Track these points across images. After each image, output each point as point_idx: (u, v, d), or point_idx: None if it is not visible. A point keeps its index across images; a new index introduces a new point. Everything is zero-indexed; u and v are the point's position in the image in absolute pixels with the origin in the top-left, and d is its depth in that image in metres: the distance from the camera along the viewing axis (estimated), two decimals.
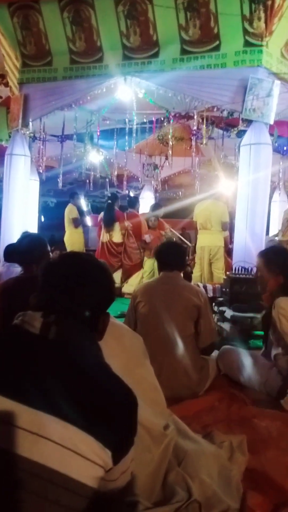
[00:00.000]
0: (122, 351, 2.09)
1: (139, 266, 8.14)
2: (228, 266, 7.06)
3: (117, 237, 8.42)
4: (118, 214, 8.54)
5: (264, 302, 3.46)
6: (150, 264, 7.83)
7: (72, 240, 9.17)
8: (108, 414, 1.16)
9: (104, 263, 1.47)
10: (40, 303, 1.29)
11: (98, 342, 1.38)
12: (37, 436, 1.09)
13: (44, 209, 14.24)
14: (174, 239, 8.23)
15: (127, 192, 10.98)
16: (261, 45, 5.35)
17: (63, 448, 1.09)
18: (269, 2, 5.10)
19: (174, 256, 3.47)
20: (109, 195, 9.19)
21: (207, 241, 7.53)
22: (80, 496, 1.11)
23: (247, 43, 5.40)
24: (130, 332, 2.28)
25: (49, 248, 3.18)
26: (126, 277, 8.31)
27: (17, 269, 4.14)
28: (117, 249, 8.43)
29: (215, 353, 3.53)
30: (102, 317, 1.37)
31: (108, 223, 8.49)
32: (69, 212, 9.11)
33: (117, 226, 8.42)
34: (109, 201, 8.79)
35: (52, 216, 14.12)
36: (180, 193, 11.87)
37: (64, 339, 1.23)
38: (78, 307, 1.28)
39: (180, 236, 8.87)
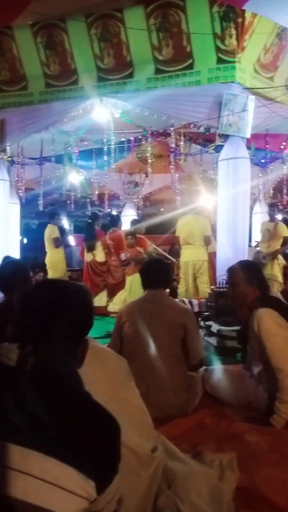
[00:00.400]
0: (106, 374, 2.07)
1: (123, 283, 8.11)
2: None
3: (100, 256, 8.39)
4: (99, 233, 8.53)
5: (241, 317, 3.46)
6: (129, 281, 7.82)
7: (53, 261, 9.02)
8: (90, 444, 1.14)
9: (81, 289, 1.46)
10: (16, 334, 1.27)
11: (79, 369, 1.36)
12: (17, 471, 1.06)
13: (26, 231, 14.18)
14: (154, 255, 8.23)
15: (109, 210, 10.99)
16: (234, 61, 5.46)
17: (44, 482, 1.07)
18: (240, 20, 5.21)
19: (158, 274, 3.45)
20: (90, 214, 9.19)
21: (191, 256, 7.56)
22: None
23: (220, 60, 5.50)
24: (114, 355, 2.26)
25: (30, 273, 3.16)
26: (111, 295, 8.27)
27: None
28: (101, 268, 8.40)
29: (201, 370, 3.51)
30: (81, 345, 1.35)
31: (89, 242, 8.47)
32: (50, 232, 9.03)
33: (99, 245, 8.40)
34: (89, 221, 8.77)
35: (34, 238, 14.06)
36: (162, 209, 11.93)
37: (41, 370, 1.21)
38: (54, 337, 1.26)
39: (163, 252, 8.86)
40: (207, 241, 7.57)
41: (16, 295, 2.68)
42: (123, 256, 7.89)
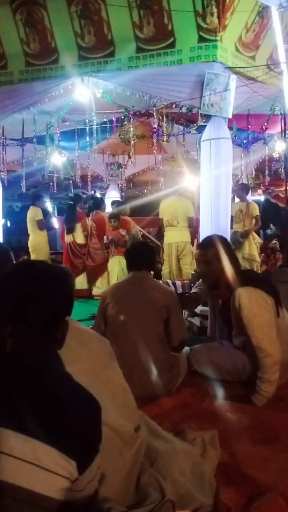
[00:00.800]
0: (88, 355, 2.08)
1: (103, 266, 8.11)
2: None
3: (80, 238, 8.34)
4: (80, 215, 8.47)
5: (219, 297, 3.48)
6: (112, 263, 7.83)
7: (37, 244, 8.96)
8: (70, 424, 1.14)
9: (61, 271, 1.45)
10: None
11: (60, 350, 1.36)
12: None
13: (9, 214, 14.04)
14: (139, 237, 8.23)
15: (92, 192, 10.92)
16: (216, 40, 5.38)
17: (25, 462, 1.07)
18: None
19: (142, 256, 3.46)
20: (72, 196, 9.11)
21: (174, 238, 7.56)
22: (46, 510, 1.09)
23: (201, 39, 5.43)
24: (95, 336, 2.26)
25: (12, 256, 3.12)
26: (92, 278, 8.26)
27: None
28: (81, 250, 8.35)
29: (185, 349, 3.54)
30: (60, 326, 1.35)
31: (69, 224, 8.41)
32: (34, 214, 8.94)
33: (79, 227, 8.34)
34: (71, 202, 8.70)
35: (18, 221, 13.92)
36: (145, 190, 11.87)
37: (20, 351, 1.20)
38: (34, 319, 1.26)
39: (148, 235, 8.86)
40: (191, 223, 7.57)
41: None
42: (105, 239, 7.88)
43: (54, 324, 1.31)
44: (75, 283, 7.30)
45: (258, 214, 8.19)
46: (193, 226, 7.53)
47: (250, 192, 9.03)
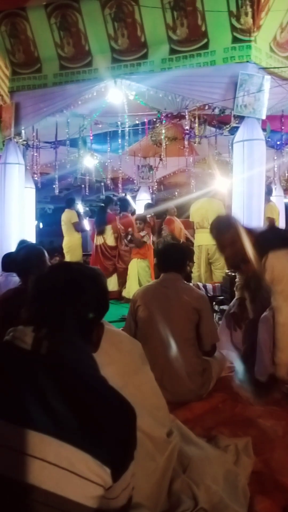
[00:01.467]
0: (120, 358, 2.06)
1: None
2: None
3: (110, 240, 8.34)
4: (110, 217, 8.48)
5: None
6: (131, 266, 7.82)
7: (71, 245, 9.12)
8: (105, 430, 1.12)
9: (96, 273, 1.44)
10: (30, 317, 1.25)
11: (93, 354, 1.35)
12: (32, 457, 1.05)
13: (42, 215, 14.22)
14: (169, 239, 8.20)
15: (123, 195, 10.94)
16: (250, 41, 5.34)
17: (59, 468, 1.05)
18: None
19: (174, 258, 3.43)
20: (104, 198, 9.16)
21: (205, 240, 7.43)
22: None
23: (235, 39, 5.39)
24: (128, 338, 2.24)
25: (47, 257, 3.14)
26: (122, 280, 8.27)
27: (15, 279, 4.11)
28: (111, 252, 8.36)
29: (217, 354, 3.49)
30: (96, 328, 1.33)
31: (99, 226, 8.45)
32: (70, 217, 9.10)
33: (109, 229, 8.36)
34: (102, 204, 8.74)
35: (50, 222, 14.11)
36: (176, 192, 11.83)
37: (56, 354, 1.19)
38: (70, 320, 1.24)
39: (190, 237, 8.72)
40: None
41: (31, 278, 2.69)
42: (125, 236, 7.91)
43: (89, 326, 1.30)
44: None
45: (273, 216, 8.02)
46: None
47: (273, 192, 8.90)
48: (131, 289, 7.60)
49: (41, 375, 1.15)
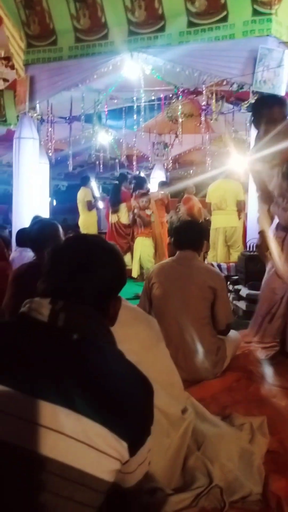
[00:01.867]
0: (135, 334, 2.04)
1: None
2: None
3: (124, 218, 8.28)
4: (124, 194, 8.41)
5: None
6: (136, 244, 7.76)
7: (87, 224, 9.14)
8: (123, 404, 1.10)
9: (113, 245, 1.40)
10: (47, 289, 1.23)
11: (110, 328, 1.32)
12: (48, 429, 1.04)
13: (55, 192, 14.18)
14: (183, 218, 8.13)
15: (137, 172, 10.85)
16: (270, 14, 5.17)
17: (76, 441, 1.04)
18: None
19: (191, 235, 3.38)
20: (118, 175, 9.08)
21: (223, 222, 7.30)
22: (95, 491, 1.05)
23: (255, 12, 5.21)
24: (144, 315, 2.22)
25: (61, 232, 3.11)
26: None
27: (29, 254, 4.10)
28: (125, 231, 8.31)
29: (232, 333, 3.46)
30: (113, 302, 1.30)
31: (114, 204, 8.38)
32: (84, 195, 9.08)
33: (123, 207, 8.29)
34: (116, 182, 8.67)
35: (63, 200, 14.07)
36: (191, 171, 11.69)
37: (73, 327, 1.16)
38: (87, 293, 1.21)
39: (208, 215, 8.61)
40: (239, 206, 7.31)
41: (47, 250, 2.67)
42: (130, 214, 7.85)
43: (107, 299, 1.27)
44: None
45: None
46: (241, 210, 7.30)
47: None
48: (134, 268, 7.60)
49: (58, 348, 1.13)
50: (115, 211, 8.36)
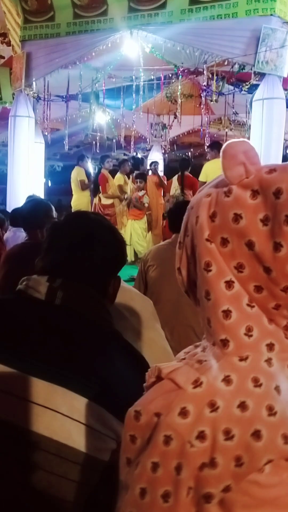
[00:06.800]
0: (131, 314, 2.01)
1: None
2: None
3: (103, 199, 8.23)
4: (101, 177, 8.33)
5: None
6: (127, 227, 7.71)
7: (79, 204, 8.98)
8: (119, 384, 1.07)
9: (112, 224, 1.37)
10: (45, 267, 1.19)
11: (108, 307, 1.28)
12: (44, 407, 1.01)
13: (50, 173, 14.04)
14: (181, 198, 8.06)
15: (134, 154, 10.74)
16: None
17: (72, 420, 1.01)
18: None
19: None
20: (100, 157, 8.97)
21: None
22: (90, 470, 1.04)
23: None
24: (140, 296, 2.18)
25: (54, 212, 3.05)
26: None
27: (23, 234, 4.05)
28: (104, 211, 8.23)
29: None
30: (113, 281, 1.26)
31: (94, 187, 8.36)
32: (77, 174, 8.95)
33: (107, 187, 8.23)
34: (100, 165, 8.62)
35: (59, 180, 13.94)
36: (189, 153, 11.60)
37: (71, 305, 1.13)
38: (86, 271, 1.18)
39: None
40: None
41: (43, 232, 2.60)
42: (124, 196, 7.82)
43: (106, 278, 1.23)
44: None
45: None
46: None
47: None
48: (128, 252, 7.58)
49: (55, 326, 1.11)
50: (95, 192, 8.34)
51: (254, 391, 0.65)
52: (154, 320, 2.16)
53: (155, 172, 8.64)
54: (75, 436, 1.01)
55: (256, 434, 0.64)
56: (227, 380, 0.66)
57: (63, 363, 1.05)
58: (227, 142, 0.68)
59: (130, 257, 7.63)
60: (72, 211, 9.02)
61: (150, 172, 8.63)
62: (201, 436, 0.64)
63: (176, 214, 3.41)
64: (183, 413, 0.65)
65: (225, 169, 0.67)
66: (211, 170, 7.38)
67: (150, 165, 8.96)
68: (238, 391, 0.66)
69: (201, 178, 7.55)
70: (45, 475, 1.00)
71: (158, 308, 2.93)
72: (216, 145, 7.78)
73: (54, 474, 1.01)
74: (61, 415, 1.01)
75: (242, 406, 0.65)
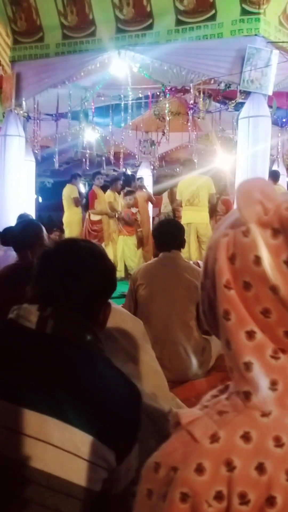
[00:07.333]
0: (122, 336, 2.04)
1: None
2: None
3: (93, 215, 8.34)
4: (91, 193, 8.50)
5: None
6: (118, 243, 7.76)
7: (70, 221, 9.09)
8: (110, 413, 1.09)
9: (103, 251, 1.40)
10: (36, 295, 1.21)
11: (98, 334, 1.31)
12: (35, 439, 1.02)
13: (41, 189, 14.06)
14: (168, 215, 8.14)
15: (123, 170, 10.82)
16: (259, 13, 5.18)
17: (64, 451, 1.02)
18: None
19: (171, 235, 3.37)
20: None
21: (194, 218, 7.25)
22: (82, 501, 1.04)
23: (244, 11, 5.22)
24: (130, 317, 2.22)
25: (45, 233, 3.09)
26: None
27: (14, 253, 4.07)
28: (92, 227, 8.33)
29: None
30: (103, 308, 1.29)
31: (86, 202, 8.56)
32: (70, 191, 9.08)
33: (96, 204, 8.32)
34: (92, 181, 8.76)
35: (49, 197, 13.96)
36: (178, 169, 11.68)
37: (61, 334, 1.15)
38: (75, 299, 1.20)
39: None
40: (212, 199, 7.33)
41: (33, 253, 2.63)
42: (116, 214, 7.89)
43: (97, 305, 1.26)
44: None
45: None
46: (214, 203, 7.35)
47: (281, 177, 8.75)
48: (118, 268, 7.61)
49: (45, 356, 1.12)
50: (86, 209, 8.50)
51: (275, 452, 0.61)
52: (144, 341, 2.19)
53: (141, 188, 8.71)
54: (67, 468, 1.01)
55: (271, 501, 0.60)
56: (246, 437, 0.62)
57: (54, 393, 1.06)
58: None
59: (121, 273, 7.66)
60: (64, 227, 9.10)
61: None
62: (218, 496, 0.61)
63: (160, 233, 3.46)
64: (199, 469, 0.62)
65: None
66: (183, 187, 7.47)
67: (137, 180, 9.07)
68: (257, 451, 0.62)
69: (178, 196, 7.63)
70: (36, 508, 1.00)
71: (148, 327, 2.98)
72: (187, 162, 7.92)
73: (46, 507, 1.01)
74: (52, 446, 1.01)
75: (260, 468, 0.61)
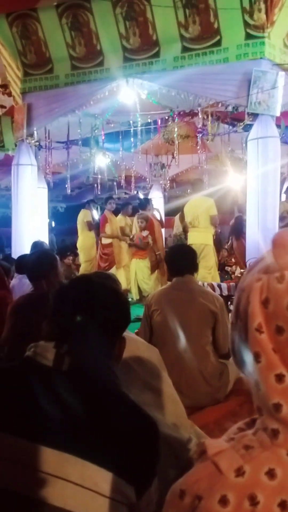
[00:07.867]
0: (138, 365, 2.05)
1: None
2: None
3: (104, 239, 8.38)
4: (103, 217, 8.57)
5: None
6: (131, 266, 7.79)
7: (84, 244, 9.24)
8: (129, 448, 1.10)
9: (118, 286, 1.43)
10: (52, 332, 1.23)
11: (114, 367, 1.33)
12: (54, 477, 1.03)
13: (54, 214, 14.24)
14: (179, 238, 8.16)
15: (135, 193, 10.92)
16: (263, 37, 5.26)
17: (83, 488, 1.03)
18: None
19: (184, 260, 3.38)
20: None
21: (196, 239, 7.27)
22: None
23: (248, 36, 5.31)
24: (145, 345, 2.23)
25: (59, 262, 3.13)
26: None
27: (28, 281, 4.12)
28: (103, 250, 8.35)
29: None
30: (118, 342, 1.31)
31: (97, 226, 8.64)
32: (84, 216, 9.26)
33: (107, 227, 8.38)
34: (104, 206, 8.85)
35: (62, 221, 14.13)
36: (188, 190, 11.76)
37: (78, 371, 1.17)
38: (91, 336, 1.22)
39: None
40: (213, 221, 7.34)
41: (47, 282, 2.66)
42: (128, 239, 7.93)
43: (111, 340, 1.28)
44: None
45: None
46: (216, 225, 7.37)
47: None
48: (133, 291, 7.63)
49: (63, 393, 1.13)
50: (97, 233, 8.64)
51: None
52: (161, 369, 2.20)
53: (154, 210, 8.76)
54: (87, 505, 1.02)
55: None
56: (271, 473, 0.63)
57: (72, 430, 1.07)
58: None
59: (135, 295, 7.67)
60: (78, 251, 9.20)
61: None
62: None
63: (173, 258, 3.48)
64: (223, 501, 0.63)
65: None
66: (187, 209, 7.50)
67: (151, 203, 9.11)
68: (281, 488, 0.62)
69: (186, 218, 7.65)
70: None
71: (165, 353, 2.98)
72: (196, 182, 7.97)
73: None
74: (72, 484, 1.02)
75: (283, 505, 0.61)
